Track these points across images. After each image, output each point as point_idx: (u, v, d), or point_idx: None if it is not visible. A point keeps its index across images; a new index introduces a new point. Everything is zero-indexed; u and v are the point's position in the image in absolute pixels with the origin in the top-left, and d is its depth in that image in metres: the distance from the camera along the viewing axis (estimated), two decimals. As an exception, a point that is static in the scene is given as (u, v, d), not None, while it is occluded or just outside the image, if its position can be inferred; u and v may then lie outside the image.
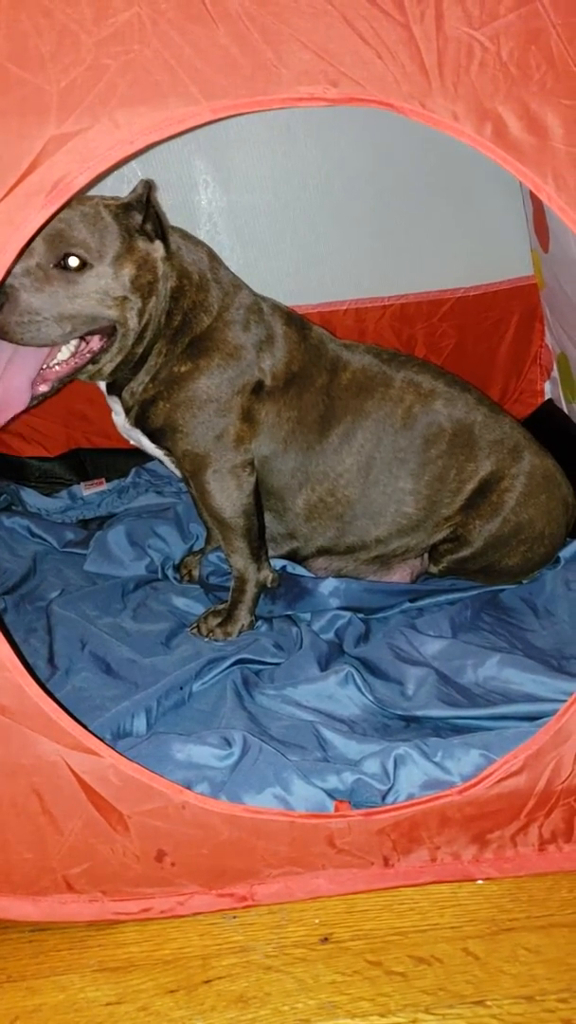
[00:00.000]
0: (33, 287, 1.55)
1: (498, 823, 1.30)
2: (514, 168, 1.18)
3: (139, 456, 2.46)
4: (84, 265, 1.57)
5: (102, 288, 1.60)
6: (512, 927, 1.23)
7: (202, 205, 2.36)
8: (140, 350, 1.71)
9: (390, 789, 1.35)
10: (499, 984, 1.15)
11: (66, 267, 1.57)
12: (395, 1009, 1.12)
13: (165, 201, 2.28)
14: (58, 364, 1.66)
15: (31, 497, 2.47)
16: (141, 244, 1.64)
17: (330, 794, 1.33)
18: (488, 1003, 1.12)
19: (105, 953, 1.23)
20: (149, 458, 2.42)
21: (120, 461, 2.55)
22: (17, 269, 1.53)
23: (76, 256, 1.56)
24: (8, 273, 1.24)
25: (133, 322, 1.66)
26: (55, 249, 1.55)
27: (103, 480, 2.54)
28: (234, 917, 1.27)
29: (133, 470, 2.53)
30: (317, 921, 1.25)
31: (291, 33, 1.15)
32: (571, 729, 1.27)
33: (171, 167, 2.30)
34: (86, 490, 2.52)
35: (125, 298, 1.63)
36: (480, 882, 1.30)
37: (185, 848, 1.26)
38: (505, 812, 1.29)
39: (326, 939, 1.23)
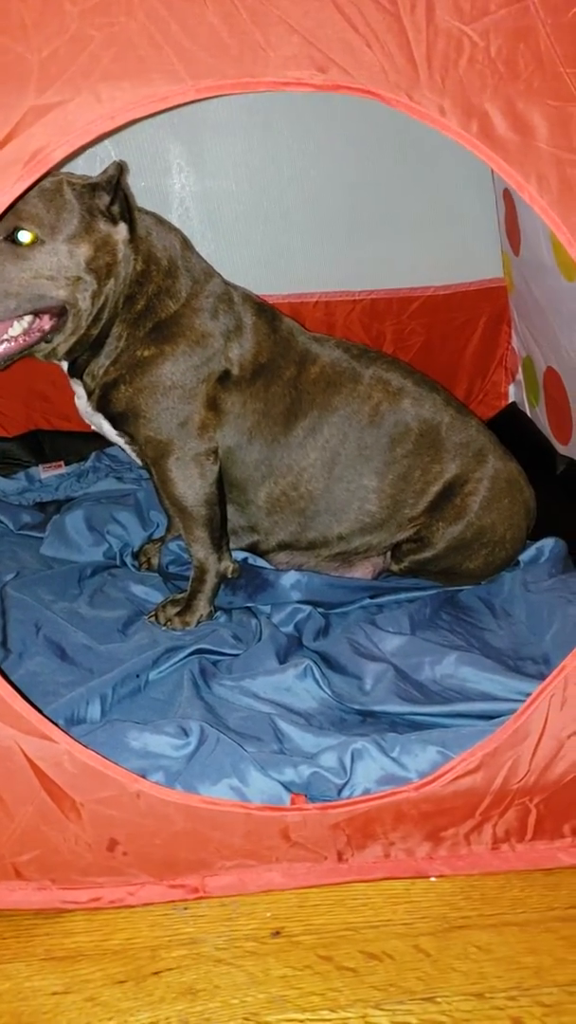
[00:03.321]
0: None
1: (453, 820, 1.30)
2: (498, 166, 1.17)
3: (99, 440, 2.42)
4: (35, 241, 1.54)
5: (54, 266, 1.57)
6: (464, 925, 1.22)
7: (175, 189, 2.33)
8: (95, 332, 1.68)
9: (346, 783, 1.34)
10: (449, 981, 1.15)
11: (16, 241, 1.53)
12: (345, 1004, 1.12)
13: (138, 184, 2.26)
14: (8, 340, 1.62)
15: (-14, 477, 2.43)
16: (102, 225, 1.61)
17: (286, 787, 1.32)
18: (438, 1000, 1.12)
19: (52, 942, 1.21)
20: (110, 443, 2.40)
21: (80, 444, 2.52)
22: None
23: (27, 230, 1.53)
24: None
25: (85, 304, 1.63)
26: (6, 222, 1.51)
27: (62, 463, 2.51)
28: (185, 909, 1.25)
29: (93, 454, 2.51)
30: (269, 915, 1.24)
31: (280, 16, 1.13)
32: (529, 729, 1.27)
33: (145, 149, 2.28)
34: (44, 472, 2.48)
35: (78, 278, 1.60)
36: (433, 879, 1.29)
37: (138, 838, 1.24)
38: (460, 810, 1.29)
39: (277, 933, 1.22)
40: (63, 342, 1.67)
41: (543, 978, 1.15)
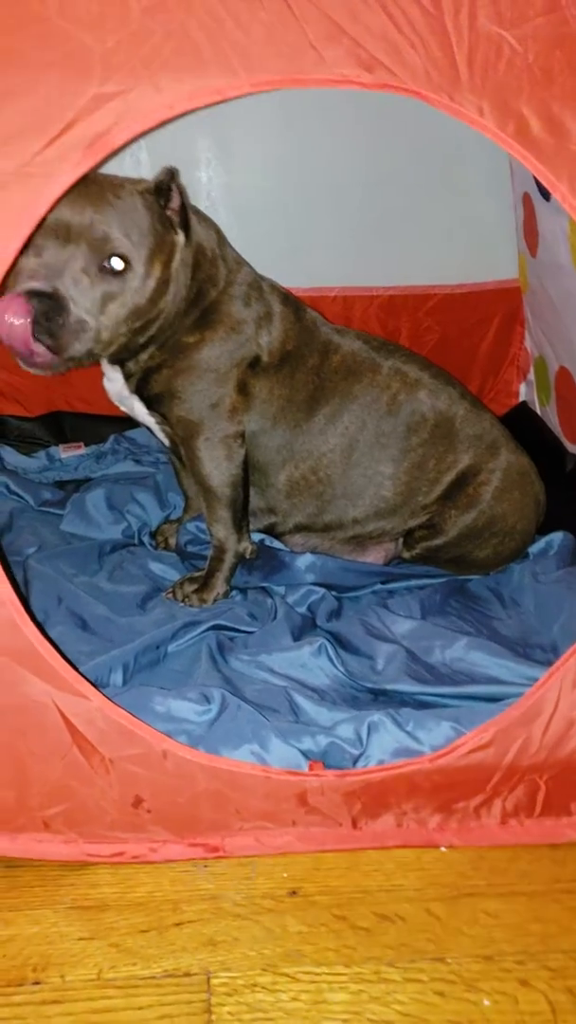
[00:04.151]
0: (82, 295, 1.54)
1: (464, 794, 1.35)
2: (532, 166, 1.22)
3: (118, 423, 2.49)
4: (126, 267, 1.56)
5: (137, 289, 1.60)
6: (473, 892, 1.28)
7: (202, 181, 2.39)
8: (152, 330, 1.71)
9: (362, 754, 1.40)
10: (459, 944, 1.20)
11: (110, 270, 1.56)
12: (359, 960, 1.17)
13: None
14: None
15: (8, 455, 2.49)
16: (170, 237, 1.65)
17: (305, 755, 1.38)
18: (448, 960, 1.18)
19: (78, 892, 1.26)
20: (129, 425, 2.45)
21: (99, 427, 2.57)
22: (66, 279, 1.52)
23: (119, 257, 1.55)
24: (39, 227, 1.26)
25: (151, 316, 1.67)
26: (98, 249, 1.54)
27: (81, 444, 2.56)
28: (205, 867, 1.31)
29: (112, 437, 2.56)
30: (285, 875, 1.30)
31: (331, 17, 1.18)
32: (541, 707, 1.33)
33: (175, 142, 2.32)
34: (64, 452, 2.54)
35: (152, 296, 1.63)
36: (443, 849, 1.35)
37: (162, 796, 1.30)
38: (472, 784, 1.35)
39: (294, 892, 1.27)
40: (119, 347, 1.70)
41: (549, 944, 1.21)
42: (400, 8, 1.20)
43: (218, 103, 1.18)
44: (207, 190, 2.38)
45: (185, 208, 1.67)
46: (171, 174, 1.62)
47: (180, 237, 1.67)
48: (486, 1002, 1.13)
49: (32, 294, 1.50)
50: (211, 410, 1.77)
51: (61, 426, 2.60)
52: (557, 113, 1.23)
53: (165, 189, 1.62)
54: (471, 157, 2.34)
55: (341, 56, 1.19)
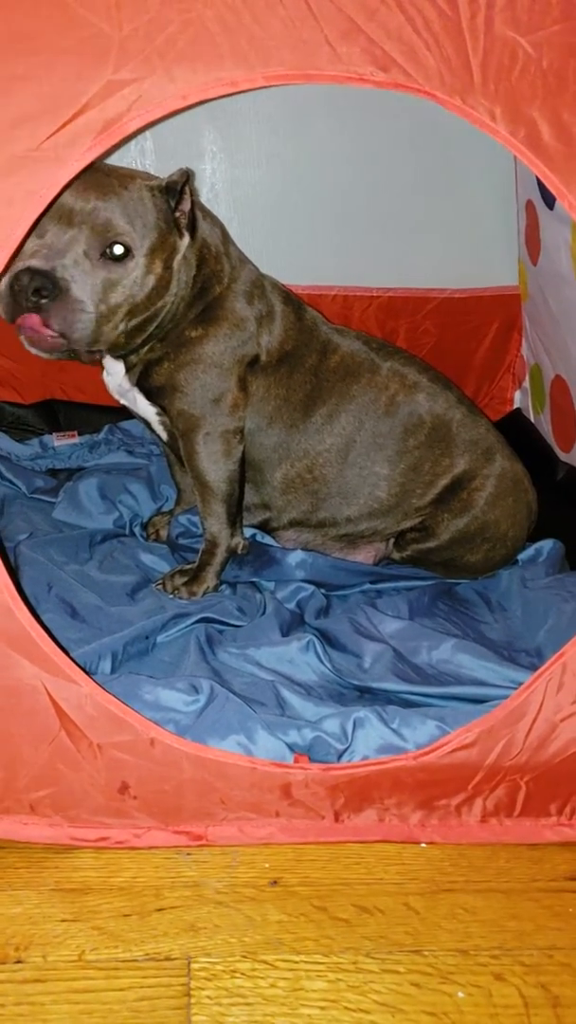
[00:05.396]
0: (81, 277, 1.55)
1: (446, 792, 1.36)
2: (541, 173, 1.24)
3: (113, 413, 2.49)
4: (126, 256, 1.58)
5: (137, 282, 1.61)
6: (451, 888, 1.29)
7: (206, 174, 2.39)
8: (151, 327, 1.73)
9: (347, 749, 1.40)
10: (436, 937, 1.21)
11: (111, 256, 1.57)
12: (338, 950, 1.18)
13: (171, 166, 2.31)
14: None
15: (1, 441, 2.48)
16: (174, 238, 1.66)
17: (290, 747, 1.38)
18: (425, 953, 1.19)
19: (61, 875, 1.27)
20: (123, 416, 2.46)
21: (93, 416, 2.57)
22: (67, 260, 1.54)
23: (120, 244, 1.57)
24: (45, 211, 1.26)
25: (152, 311, 1.68)
26: (98, 236, 1.55)
27: (75, 433, 2.56)
28: (188, 854, 1.31)
29: (106, 427, 2.56)
30: (267, 865, 1.31)
31: (348, 16, 1.19)
32: (526, 710, 1.34)
33: (181, 133, 2.34)
34: (57, 441, 2.53)
35: (152, 291, 1.65)
36: (423, 845, 1.36)
37: (148, 783, 1.30)
38: (454, 782, 1.36)
39: (275, 882, 1.28)
40: (117, 340, 1.70)
41: (524, 941, 1.22)
42: (417, 8, 1.20)
43: (231, 95, 1.19)
44: (211, 182, 2.39)
45: (193, 211, 1.68)
46: (186, 176, 1.63)
47: (184, 240, 1.68)
48: (461, 994, 1.14)
49: (28, 272, 1.50)
50: (213, 405, 1.77)
51: (55, 414, 2.60)
52: (568, 121, 1.24)
53: (177, 190, 1.63)
54: (476, 162, 2.36)
55: (356, 54, 1.20)
